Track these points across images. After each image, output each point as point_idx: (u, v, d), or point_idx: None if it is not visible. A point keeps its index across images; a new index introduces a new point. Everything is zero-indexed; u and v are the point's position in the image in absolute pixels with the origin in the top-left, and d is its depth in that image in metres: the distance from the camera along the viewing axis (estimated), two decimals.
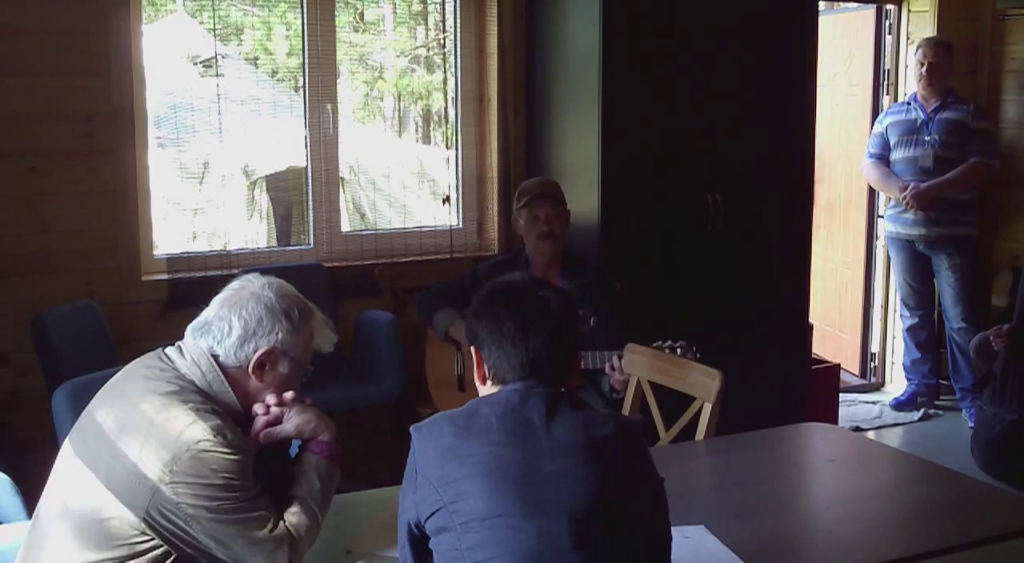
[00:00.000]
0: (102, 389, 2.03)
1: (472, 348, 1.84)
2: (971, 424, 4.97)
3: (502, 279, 1.88)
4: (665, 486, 1.80)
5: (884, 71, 5.53)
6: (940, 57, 5.00)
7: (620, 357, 3.20)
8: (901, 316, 5.36)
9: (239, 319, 1.98)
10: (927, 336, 5.28)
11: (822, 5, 4.91)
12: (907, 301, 5.26)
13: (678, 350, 3.27)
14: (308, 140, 4.24)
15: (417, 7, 5.26)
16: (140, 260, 3.89)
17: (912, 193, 4.90)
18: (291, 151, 4.64)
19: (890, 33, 5.50)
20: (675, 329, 3.45)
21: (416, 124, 5.87)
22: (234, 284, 2.05)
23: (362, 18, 5.13)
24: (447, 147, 4.77)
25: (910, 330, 5.29)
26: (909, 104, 5.10)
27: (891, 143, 5.08)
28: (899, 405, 5.33)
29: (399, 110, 5.85)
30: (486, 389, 1.83)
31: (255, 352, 1.98)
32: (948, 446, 4.85)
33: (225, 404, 1.97)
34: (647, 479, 1.77)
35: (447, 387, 3.77)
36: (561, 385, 1.80)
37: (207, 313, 2.02)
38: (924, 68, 4.99)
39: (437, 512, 1.68)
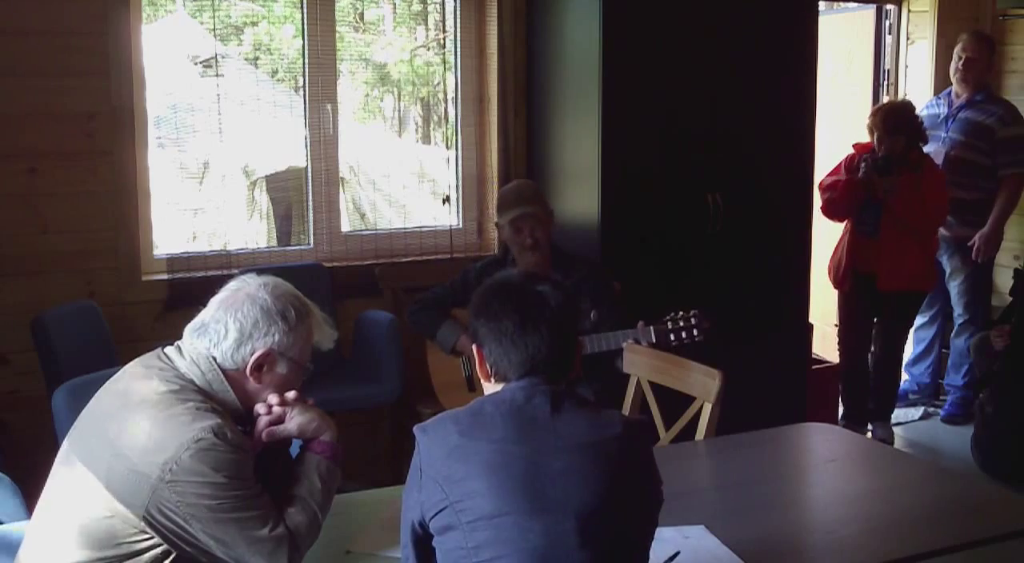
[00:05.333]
0: (101, 389, 2.03)
1: (474, 346, 1.84)
2: (942, 414, 5.13)
3: (500, 275, 1.87)
4: (665, 486, 1.80)
5: (884, 71, 5.52)
6: (980, 52, 4.90)
7: (636, 340, 3.32)
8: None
9: (235, 321, 1.98)
10: (931, 336, 5.29)
11: (822, 5, 4.91)
12: None
13: (692, 319, 3.31)
14: (308, 140, 4.24)
15: (417, 7, 5.26)
16: (140, 260, 3.89)
17: (982, 243, 4.84)
18: (291, 151, 4.64)
19: (890, 33, 5.50)
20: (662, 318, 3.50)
21: (416, 124, 5.86)
22: (231, 285, 2.05)
23: (362, 18, 5.13)
24: (447, 147, 4.77)
25: (917, 329, 5.29)
26: (941, 98, 5.05)
27: None
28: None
29: (399, 110, 5.84)
30: (491, 386, 1.83)
31: (252, 354, 1.98)
32: (948, 446, 4.86)
33: (225, 403, 1.97)
34: (649, 479, 1.77)
35: (456, 388, 3.75)
36: (564, 380, 1.79)
37: (204, 315, 2.02)
38: (961, 62, 4.91)
39: (443, 511, 1.68)
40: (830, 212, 4.68)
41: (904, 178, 4.51)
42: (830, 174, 4.70)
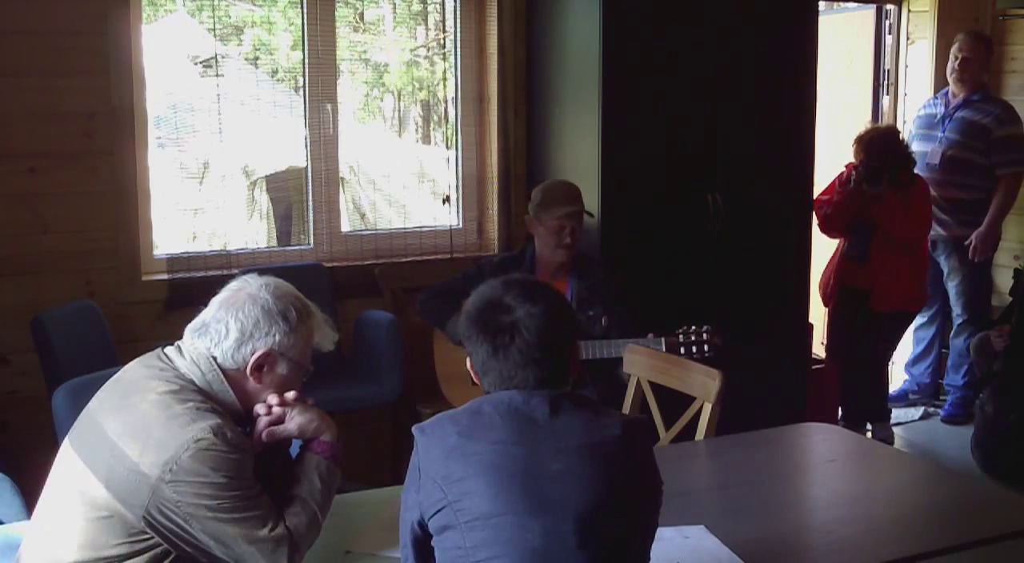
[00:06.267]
0: (101, 389, 2.03)
1: (467, 359, 1.83)
2: (942, 414, 5.13)
3: (480, 292, 1.82)
4: (665, 486, 1.80)
5: (884, 71, 5.53)
6: (976, 52, 4.91)
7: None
8: None
9: (236, 321, 1.98)
10: (931, 336, 5.29)
11: (822, 5, 4.91)
12: None
13: (704, 334, 3.31)
14: (308, 140, 4.25)
15: (417, 7, 5.25)
16: (140, 260, 3.89)
17: (979, 243, 4.83)
18: (291, 151, 4.63)
19: (890, 33, 5.50)
20: (674, 329, 3.49)
21: (416, 124, 5.86)
22: (232, 285, 2.05)
23: (362, 18, 5.12)
24: (447, 147, 4.77)
25: (917, 329, 5.29)
26: (937, 98, 5.07)
27: (913, 134, 5.06)
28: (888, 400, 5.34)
29: (399, 110, 5.84)
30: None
31: (252, 354, 1.98)
32: (948, 446, 4.86)
33: (225, 403, 1.97)
34: (649, 479, 1.77)
35: (459, 379, 3.74)
36: (558, 386, 1.78)
37: (205, 315, 2.02)
38: (957, 62, 4.92)
39: (441, 510, 1.68)
40: (828, 227, 4.69)
41: (893, 194, 4.51)
42: (824, 192, 4.70)
